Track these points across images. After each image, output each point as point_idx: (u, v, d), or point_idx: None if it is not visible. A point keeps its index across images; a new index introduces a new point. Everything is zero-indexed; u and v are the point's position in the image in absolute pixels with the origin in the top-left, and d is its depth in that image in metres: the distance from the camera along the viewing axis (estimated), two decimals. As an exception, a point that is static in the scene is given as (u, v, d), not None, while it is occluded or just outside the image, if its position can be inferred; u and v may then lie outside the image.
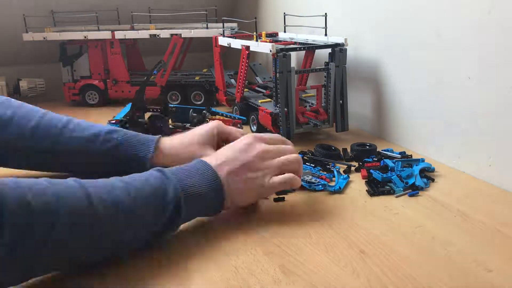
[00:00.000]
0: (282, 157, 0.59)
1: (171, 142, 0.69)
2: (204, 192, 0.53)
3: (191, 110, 0.90)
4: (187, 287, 0.46)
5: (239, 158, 0.56)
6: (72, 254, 0.44)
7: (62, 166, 0.69)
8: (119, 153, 0.67)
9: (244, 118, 0.92)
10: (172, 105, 0.90)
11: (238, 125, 0.87)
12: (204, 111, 0.90)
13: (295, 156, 0.60)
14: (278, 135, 0.65)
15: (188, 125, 0.87)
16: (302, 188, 0.67)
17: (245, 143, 0.58)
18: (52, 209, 0.41)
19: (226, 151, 0.58)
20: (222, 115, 0.91)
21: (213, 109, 0.91)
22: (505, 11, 0.64)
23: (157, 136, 0.69)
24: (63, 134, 0.66)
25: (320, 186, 0.67)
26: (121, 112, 0.91)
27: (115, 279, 0.47)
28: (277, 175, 0.58)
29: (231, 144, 0.59)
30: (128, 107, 0.90)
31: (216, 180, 0.54)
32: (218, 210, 0.56)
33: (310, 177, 0.70)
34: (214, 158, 0.56)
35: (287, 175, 0.58)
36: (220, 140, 0.71)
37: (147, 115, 0.88)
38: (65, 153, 0.67)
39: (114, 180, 0.49)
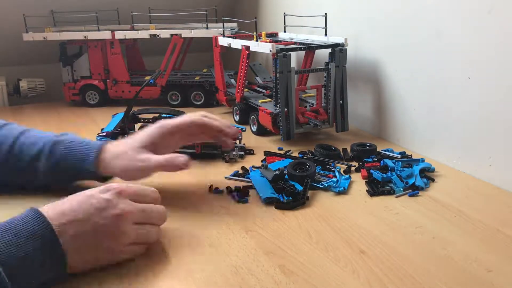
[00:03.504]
0: (145, 227, 0.50)
1: (109, 151, 0.64)
2: (34, 260, 0.42)
3: None
4: (187, 287, 0.46)
5: (91, 220, 0.46)
6: None
7: (15, 183, 0.67)
8: (64, 166, 0.64)
9: (244, 127, 0.86)
10: (166, 115, 0.83)
11: (238, 135, 0.81)
12: None
13: (156, 230, 0.52)
14: (151, 190, 0.54)
15: None
16: (312, 188, 0.67)
17: (105, 198, 0.48)
18: None
19: (77, 204, 0.47)
20: None
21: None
22: (505, 11, 0.64)
23: (101, 143, 0.65)
24: (12, 152, 0.65)
25: (332, 182, 0.67)
26: (110, 124, 0.88)
27: (115, 279, 0.47)
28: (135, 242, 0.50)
29: (86, 194, 0.49)
30: (115, 118, 0.87)
31: (53, 245, 0.44)
32: (60, 277, 0.46)
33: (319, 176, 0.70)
34: (57, 213, 0.45)
35: (140, 246, 0.50)
36: (168, 138, 0.65)
37: (138, 125, 0.86)
38: (15, 172, 0.66)
39: None
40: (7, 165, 0.65)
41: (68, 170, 0.65)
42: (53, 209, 0.46)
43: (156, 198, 0.54)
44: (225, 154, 0.79)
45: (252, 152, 0.84)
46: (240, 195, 0.65)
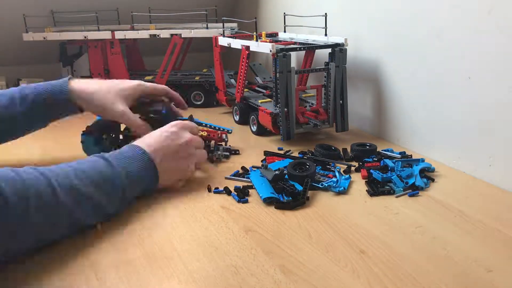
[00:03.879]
0: (199, 150, 0.70)
1: (83, 86, 0.73)
2: (143, 177, 0.61)
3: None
4: (187, 287, 0.46)
5: (170, 146, 0.65)
6: (41, 233, 0.50)
7: None
8: (39, 105, 0.71)
9: (230, 129, 0.85)
10: (155, 116, 0.82)
11: (224, 136, 0.84)
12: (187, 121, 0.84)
13: (205, 152, 0.72)
14: (193, 124, 0.72)
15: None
16: (312, 188, 0.67)
17: (173, 131, 0.67)
18: (24, 197, 0.47)
19: (158, 137, 0.65)
20: (206, 125, 0.85)
21: (197, 119, 0.84)
22: (505, 11, 0.64)
23: (67, 78, 0.73)
24: None
25: (332, 182, 0.67)
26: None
27: (115, 279, 0.47)
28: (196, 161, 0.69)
29: (161, 129, 0.67)
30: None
31: (152, 166, 0.62)
32: (152, 190, 0.64)
33: (319, 176, 0.70)
34: (147, 144, 0.63)
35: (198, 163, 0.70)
36: (138, 96, 0.78)
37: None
38: None
39: (69, 169, 0.54)
40: None
41: (44, 106, 0.71)
42: (142, 143, 0.64)
43: (198, 128, 0.74)
44: (210, 155, 0.80)
45: (237, 152, 0.84)
46: (240, 195, 0.65)
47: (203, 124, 0.85)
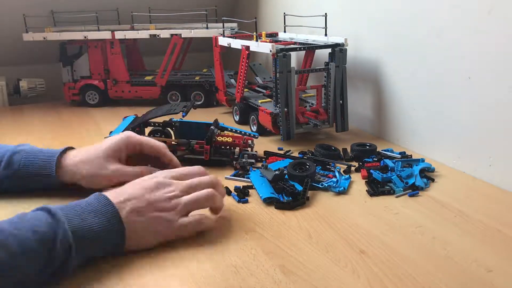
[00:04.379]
0: (191, 195, 0.55)
1: (74, 157, 0.65)
2: (100, 233, 0.48)
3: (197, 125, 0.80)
4: (187, 287, 0.46)
5: (145, 196, 0.52)
6: None
7: None
8: (23, 175, 0.64)
9: (257, 134, 0.81)
10: (175, 120, 0.81)
11: (250, 142, 0.79)
12: (211, 127, 0.79)
13: (206, 191, 0.56)
14: (196, 167, 0.60)
15: (194, 141, 0.77)
16: (312, 188, 0.67)
17: (154, 181, 0.55)
18: None
19: (131, 188, 0.54)
20: (232, 130, 0.81)
21: (222, 124, 0.81)
22: (505, 11, 0.64)
23: (61, 150, 0.66)
24: None
25: (332, 182, 0.67)
26: (119, 126, 0.83)
27: (115, 279, 0.47)
28: (189, 211, 0.55)
29: (136, 180, 0.55)
30: (126, 121, 0.84)
31: (115, 219, 0.49)
32: (119, 251, 0.50)
33: (319, 176, 0.70)
34: (116, 194, 0.52)
35: (195, 216, 0.55)
36: (131, 152, 0.67)
37: (148, 129, 0.84)
38: None
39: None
40: None
41: (28, 177, 0.64)
42: (110, 192, 0.52)
43: (203, 171, 0.60)
44: (234, 162, 0.76)
45: (264, 159, 0.78)
46: (240, 195, 0.65)
47: (228, 129, 0.81)
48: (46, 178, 0.64)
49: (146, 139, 0.67)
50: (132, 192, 0.53)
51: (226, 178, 0.72)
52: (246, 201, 0.64)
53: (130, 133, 0.67)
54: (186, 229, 0.54)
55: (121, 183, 0.58)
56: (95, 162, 0.63)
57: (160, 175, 0.56)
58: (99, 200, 0.50)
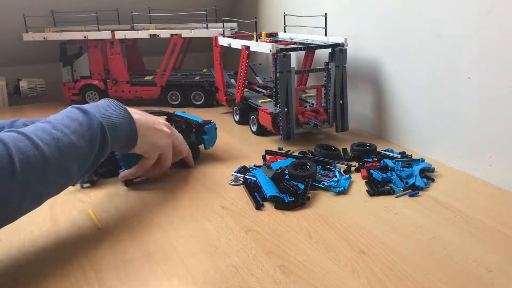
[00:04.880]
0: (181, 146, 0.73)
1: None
2: (119, 123, 0.59)
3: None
4: (187, 287, 0.46)
5: (152, 118, 0.67)
6: (35, 190, 0.47)
7: None
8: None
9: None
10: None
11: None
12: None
13: (187, 147, 0.75)
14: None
15: None
16: (313, 187, 0.67)
17: (158, 120, 0.69)
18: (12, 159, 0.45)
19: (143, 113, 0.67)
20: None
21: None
22: (505, 11, 0.64)
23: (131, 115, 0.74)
24: None
25: (332, 182, 0.67)
26: None
27: (115, 279, 0.47)
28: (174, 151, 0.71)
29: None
30: None
31: (127, 115, 0.61)
32: (134, 142, 0.63)
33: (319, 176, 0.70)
34: (134, 111, 0.64)
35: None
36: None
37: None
38: None
39: (45, 125, 0.53)
40: None
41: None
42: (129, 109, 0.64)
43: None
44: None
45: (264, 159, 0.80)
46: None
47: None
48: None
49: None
50: (142, 113, 0.66)
51: (229, 181, 0.73)
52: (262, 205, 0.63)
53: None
54: (169, 159, 0.70)
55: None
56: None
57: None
58: (111, 102, 0.62)
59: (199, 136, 0.82)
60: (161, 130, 0.68)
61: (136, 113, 0.65)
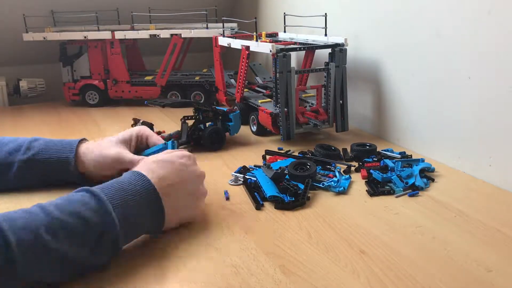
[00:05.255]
0: (205, 187, 0.60)
1: (87, 145, 0.68)
2: (144, 218, 0.50)
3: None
4: (187, 287, 0.46)
5: (183, 181, 0.55)
6: (33, 277, 0.42)
7: None
8: (42, 159, 0.66)
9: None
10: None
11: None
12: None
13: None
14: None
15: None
16: (312, 187, 0.67)
17: (182, 163, 0.56)
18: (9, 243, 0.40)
19: (161, 165, 0.54)
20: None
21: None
22: (505, 11, 0.64)
23: (79, 139, 0.69)
24: None
25: (332, 182, 0.67)
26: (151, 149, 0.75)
27: (115, 279, 0.47)
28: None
29: (165, 157, 0.56)
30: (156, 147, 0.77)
31: (157, 201, 0.51)
32: (156, 234, 0.54)
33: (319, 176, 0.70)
34: (158, 177, 0.53)
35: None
36: (139, 142, 0.73)
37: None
38: None
39: (51, 212, 0.44)
40: None
41: (47, 162, 0.66)
42: (152, 173, 0.53)
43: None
44: None
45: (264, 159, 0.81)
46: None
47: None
48: (64, 164, 0.66)
49: (154, 134, 0.74)
50: (171, 175, 0.54)
51: (229, 182, 0.73)
52: (262, 205, 0.63)
53: (142, 127, 0.75)
54: (201, 210, 0.59)
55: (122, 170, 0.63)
56: (105, 143, 0.68)
57: (187, 158, 0.58)
58: (138, 182, 0.51)
59: (224, 123, 0.89)
60: (193, 202, 0.57)
61: (169, 190, 0.53)
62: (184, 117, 0.89)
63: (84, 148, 0.67)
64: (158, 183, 0.52)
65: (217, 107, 0.89)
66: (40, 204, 0.45)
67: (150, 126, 0.89)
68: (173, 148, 0.72)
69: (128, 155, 0.67)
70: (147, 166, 0.54)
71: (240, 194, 0.67)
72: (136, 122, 0.92)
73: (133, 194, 0.49)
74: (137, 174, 0.52)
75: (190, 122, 0.88)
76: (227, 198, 0.65)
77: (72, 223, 0.44)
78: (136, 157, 0.66)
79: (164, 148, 0.72)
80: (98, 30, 1.22)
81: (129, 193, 0.49)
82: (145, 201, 0.50)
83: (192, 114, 0.88)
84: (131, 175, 0.52)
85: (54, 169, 0.66)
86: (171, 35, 1.21)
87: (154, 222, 0.52)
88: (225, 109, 0.89)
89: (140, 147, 0.73)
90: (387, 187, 0.67)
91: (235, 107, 0.91)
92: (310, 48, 0.92)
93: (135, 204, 0.49)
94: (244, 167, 0.76)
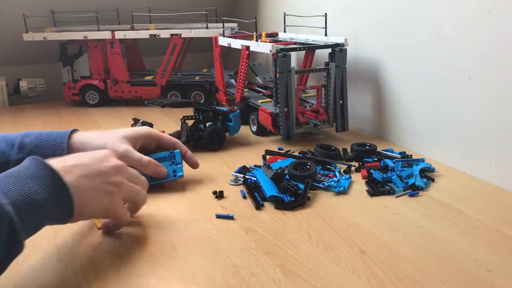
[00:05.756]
0: (136, 186, 0.55)
1: (84, 135, 0.66)
2: (42, 200, 0.43)
3: None
4: (187, 287, 0.46)
5: (95, 165, 0.50)
6: None
7: None
8: (37, 153, 0.62)
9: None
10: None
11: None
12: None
13: (144, 193, 0.56)
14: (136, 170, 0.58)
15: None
16: (313, 187, 0.67)
17: (104, 154, 0.53)
18: None
19: (80, 155, 0.51)
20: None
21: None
22: (505, 11, 0.64)
23: (70, 130, 0.66)
24: None
25: (332, 182, 0.67)
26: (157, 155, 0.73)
27: (115, 279, 0.47)
28: (126, 198, 0.54)
29: (88, 152, 0.53)
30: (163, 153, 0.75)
31: (58, 183, 0.45)
32: (66, 219, 0.47)
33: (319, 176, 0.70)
34: (62, 160, 0.48)
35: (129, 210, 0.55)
36: (147, 145, 0.70)
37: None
38: None
39: None
40: None
41: (44, 156, 0.63)
42: (56, 160, 0.48)
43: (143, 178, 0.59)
44: None
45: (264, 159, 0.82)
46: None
47: None
48: (58, 152, 0.63)
49: (164, 134, 0.72)
50: (80, 158, 0.50)
51: (229, 182, 0.73)
52: (262, 205, 0.63)
53: (150, 128, 0.72)
54: (122, 214, 0.53)
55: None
56: (108, 140, 0.64)
57: (111, 151, 0.55)
58: (33, 165, 0.45)
59: (224, 123, 0.88)
60: (107, 194, 0.50)
61: (70, 171, 0.47)
62: (184, 117, 0.89)
63: (83, 136, 0.65)
64: (59, 163, 0.47)
65: (217, 107, 0.89)
66: None
67: (150, 126, 0.89)
68: (179, 157, 0.70)
69: (136, 154, 0.65)
70: (64, 156, 0.50)
71: (240, 194, 0.67)
72: (136, 122, 0.92)
73: (26, 178, 0.43)
74: (32, 160, 0.46)
75: (190, 122, 0.88)
76: (244, 197, 0.65)
77: None
78: (144, 157, 0.65)
79: (169, 156, 0.70)
80: (98, 30, 1.22)
81: (22, 179, 0.43)
82: (43, 185, 0.44)
83: (192, 114, 0.89)
84: (26, 162, 0.46)
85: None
86: (171, 35, 1.21)
87: (61, 205, 0.45)
88: (225, 109, 0.89)
89: (147, 150, 0.70)
90: (387, 187, 0.67)
91: (235, 107, 0.90)
92: (310, 48, 0.92)
93: (31, 187, 0.43)
94: (244, 167, 0.76)
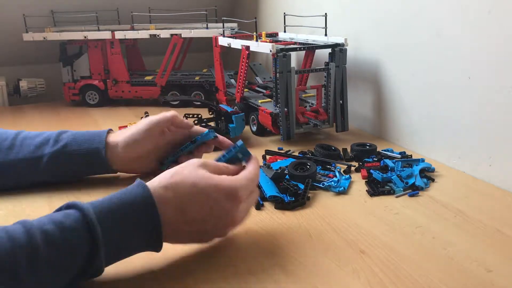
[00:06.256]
0: (250, 200, 0.52)
1: (117, 134, 0.68)
2: (132, 248, 0.45)
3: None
4: (187, 287, 0.46)
5: (202, 207, 0.46)
6: None
7: (19, 176, 0.65)
8: (71, 151, 0.65)
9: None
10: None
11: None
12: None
13: (256, 196, 0.54)
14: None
15: None
16: (313, 187, 0.67)
17: (226, 208, 0.47)
18: None
19: (197, 206, 0.46)
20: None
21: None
22: (505, 11, 0.64)
23: (107, 129, 0.69)
24: (14, 145, 0.65)
25: (332, 182, 0.67)
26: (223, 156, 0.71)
27: (114, 279, 0.47)
28: None
29: (202, 185, 0.46)
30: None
31: (154, 219, 0.44)
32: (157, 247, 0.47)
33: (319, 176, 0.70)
34: (180, 210, 0.45)
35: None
36: (171, 126, 0.69)
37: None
38: (19, 162, 0.64)
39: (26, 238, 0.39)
40: (9, 156, 0.64)
41: (76, 154, 0.65)
42: (171, 205, 0.45)
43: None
44: None
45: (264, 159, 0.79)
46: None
47: None
48: (94, 155, 0.65)
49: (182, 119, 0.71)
50: (196, 213, 0.46)
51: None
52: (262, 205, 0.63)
53: (173, 113, 0.69)
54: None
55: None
56: (137, 135, 0.66)
57: (236, 200, 0.48)
58: (152, 215, 0.44)
59: (226, 124, 0.88)
60: (205, 233, 0.49)
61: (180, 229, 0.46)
62: (185, 114, 0.89)
63: (117, 134, 0.68)
64: (173, 215, 0.45)
65: (221, 105, 0.89)
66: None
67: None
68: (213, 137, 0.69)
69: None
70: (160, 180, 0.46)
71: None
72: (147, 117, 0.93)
73: (133, 223, 0.43)
74: (139, 186, 0.45)
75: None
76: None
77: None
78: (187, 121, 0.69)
79: (237, 157, 0.60)
80: (98, 30, 1.22)
81: (127, 219, 0.43)
82: (144, 236, 0.44)
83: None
84: (132, 190, 0.45)
85: (83, 163, 0.66)
86: (171, 35, 1.21)
87: (147, 239, 0.45)
88: (230, 108, 0.88)
89: (178, 137, 0.70)
90: (387, 187, 0.67)
91: (235, 107, 0.90)
92: (310, 48, 0.92)
93: (123, 216, 0.43)
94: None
